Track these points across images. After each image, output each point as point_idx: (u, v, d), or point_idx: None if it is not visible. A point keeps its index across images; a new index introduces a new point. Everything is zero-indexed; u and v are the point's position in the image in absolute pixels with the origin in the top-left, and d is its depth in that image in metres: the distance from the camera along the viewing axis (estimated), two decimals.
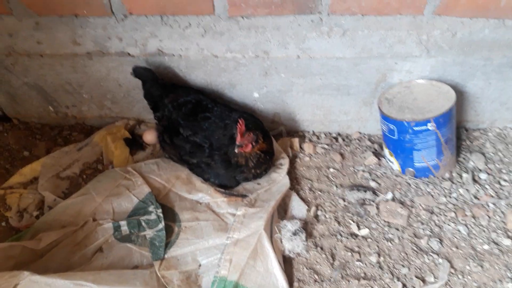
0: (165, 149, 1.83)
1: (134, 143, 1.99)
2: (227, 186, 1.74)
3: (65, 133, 2.12)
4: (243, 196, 1.71)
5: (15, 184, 1.82)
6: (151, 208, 1.63)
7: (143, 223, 1.59)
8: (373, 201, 1.68)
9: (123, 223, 1.59)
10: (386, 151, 1.78)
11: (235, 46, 1.70)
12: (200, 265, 1.51)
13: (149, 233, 1.57)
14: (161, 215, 1.60)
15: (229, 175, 1.68)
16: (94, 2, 1.61)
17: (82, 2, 1.62)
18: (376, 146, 1.93)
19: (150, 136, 1.97)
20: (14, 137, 2.07)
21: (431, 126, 1.56)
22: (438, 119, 1.55)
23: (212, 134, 1.68)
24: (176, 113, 1.72)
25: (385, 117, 1.64)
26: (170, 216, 1.64)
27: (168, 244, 1.55)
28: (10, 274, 1.34)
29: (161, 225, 1.58)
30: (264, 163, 1.69)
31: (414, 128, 1.58)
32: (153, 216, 1.61)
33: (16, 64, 1.89)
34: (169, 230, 1.59)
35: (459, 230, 1.56)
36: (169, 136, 1.75)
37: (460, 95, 1.80)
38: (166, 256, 1.53)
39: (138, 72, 1.78)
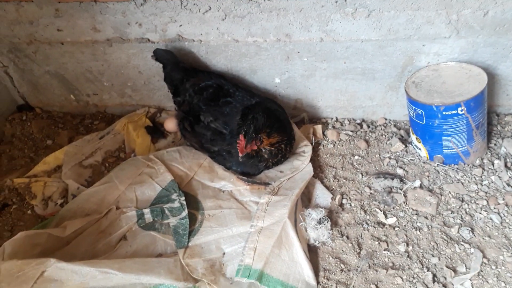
0: (186, 137, 1.81)
1: (156, 131, 1.98)
2: (249, 174, 1.72)
3: (86, 122, 2.12)
4: (266, 184, 1.68)
5: (40, 172, 1.84)
6: (174, 196, 1.62)
7: (166, 211, 1.59)
8: (400, 189, 1.63)
9: (146, 211, 1.58)
10: (413, 137, 1.72)
11: (256, 29, 1.65)
12: (224, 253, 1.49)
13: (172, 221, 1.57)
14: (184, 203, 1.59)
15: (251, 163, 1.65)
16: None
17: None
18: (402, 132, 1.87)
19: (171, 124, 1.95)
20: (37, 126, 2.08)
21: (461, 110, 1.50)
22: (469, 102, 1.48)
23: (233, 120, 1.65)
24: (198, 98, 1.69)
25: (412, 101, 1.58)
26: (193, 204, 1.63)
27: (191, 232, 1.54)
28: (37, 261, 1.35)
29: (185, 213, 1.57)
30: (279, 153, 1.65)
31: (443, 112, 1.51)
32: (176, 204, 1.60)
33: (37, 52, 1.90)
34: (192, 218, 1.58)
35: (491, 219, 1.50)
36: (190, 124, 1.73)
37: (491, 78, 1.72)
38: (190, 244, 1.51)
39: (159, 54, 1.75)
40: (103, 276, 1.36)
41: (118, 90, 2.02)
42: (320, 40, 1.66)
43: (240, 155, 1.52)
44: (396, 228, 1.52)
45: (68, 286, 1.34)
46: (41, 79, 2.02)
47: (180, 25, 1.69)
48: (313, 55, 1.72)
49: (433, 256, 1.43)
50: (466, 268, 1.38)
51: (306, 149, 1.81)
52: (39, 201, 1.74)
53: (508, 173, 1.63)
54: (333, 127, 1.96)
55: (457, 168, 1.67)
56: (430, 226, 1.51)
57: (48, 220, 1.64)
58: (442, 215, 1.54)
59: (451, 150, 1.63)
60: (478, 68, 1.59)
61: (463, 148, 1.62)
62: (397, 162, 1.74)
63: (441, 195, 1.60)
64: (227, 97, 1.67)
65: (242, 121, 1.57)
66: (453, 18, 1.53)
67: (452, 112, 1.51)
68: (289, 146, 1.70)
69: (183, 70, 1.75)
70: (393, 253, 1.45)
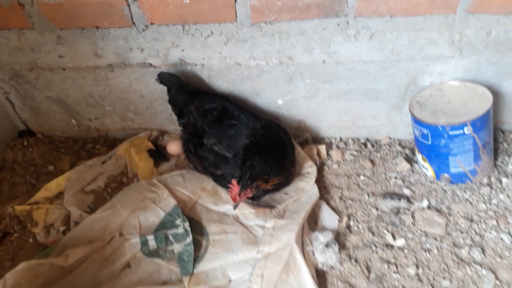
0: (190, 159, 1.79)
1: (158, 154, 1.96)
2: (253, 197, 1.69)
3: (88, 146, 2.11)
4: (271, 207, 1.66)
5: (41, 199, 1.81)
6: (178, 222, 1.59)
7: (170, 237, 1.56)
8: (408, 210, 1.61)
9: (150, 238, 1.55)
10: (419, 157, 1.71)
11: (258, 53, 1.65)
12: (230, 280, 1.46)
13: (177, 247, 1.54)
14: (188, 228, 1.56)
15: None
16: (115, 13, 1.59)
17: (103, 14, 1.60)
18: (407, 151, 1.86)
19: (174, 147, 1.93)
20: (38, 151, 2.06)
21: (467, 130, 1.49)
22: (475, 122, 1.47)
23: (237, 142, 1.63)
24: (202, 120, 1.68)
25: (417, 122, 1.57)
26: (197, 229, 1.60)
27: (196, 259, 1.51)
28: None
29: (189, 239, 1.54)
30: (280, 185, 1.65)
31: (449, 132, 1.50)
32: (180, 230, 1.57)
33: (38, 79, 1.89)
34: (197, 244, 1.55)
35: (502, 239, 1.48)
36: (194, 146, 1.72)
37: (496, 95, 1.72)
38: (195, 271, 1.48)
39: (163, 77, 1.75)
40: None
41: (120, 114, 2.01)
42: (323, 62, 1.66)
43: (233, 204, 1.49)
44: (405, 250, 1.49)
45: None
46: (42, 105, 2.01)
47: (183, 50, 1.69)
48: (316, 77, 1.72)
49: (444, 278, 1.40)
50: None
51: (310, 170, 1.79)
52: (40, 228, 1.70)
53: None
54: (337, 147, 1.94)
55: (464, 187, 1.65)
56: (439, 248, 1.49)
57: (50, 248, 1.60)
58: (452, 235, 1.52)
59: (458, 169, 1.62)
60: (482, 87, 1.59)
61: (470, 167, 1.60)
62: (403, 182, 1.72)
63: (450, 215, 1.57)
64: (231, 120, 1.66)
65: (244, 153, 1.54)
66: (456, 38, 1.53)
67: (459, 132, 1.50)
68: (289, 175, 1.69)
69: (188, 92, 1.74)
70: (403, 276, 1.42)
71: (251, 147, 1.54)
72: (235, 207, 1.50)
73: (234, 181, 1.45)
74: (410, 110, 1.61)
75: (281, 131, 1.72)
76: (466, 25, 1.49)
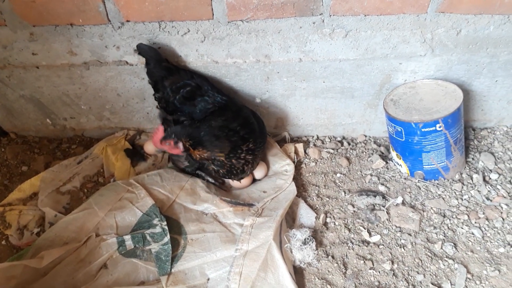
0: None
1: (135, 154, 1.94)
2: (208, 170, 1.71)
3: (64, 146, 2.07)
4: (250, 205, 1.66)
5: (14, 200, 1.77)
6: (155, 221, 1.58)
7: (148, 237, 1.55)
8: (383, 206, 1.64)
9: (127, 238, 1.54)
10: (394, 154, 1.74)
11: (235, 51, 1.66)
12: (208, 279, 1.46)
13: (154, 247, 1.53)
14: (166, 227, 1.55)
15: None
16: (89, 10, 1.56)
17: (77, 11, 1.57)
18: (382, 149, 1.89)
19: (151, 146, 1.92)
20: (11, 152, 2.02)
21: (439, 127, 1.52)
22: (447, 119, 1.51)
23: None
24: (174, 96, 1.66)
25: (391, 119, 1.60)
26: (175, 229, 1.59)
27: (174, 258, 1.51)
28: None
29: (167, 238, 1.53)
30: (230, 170, 1.65)
31: (422, 129, 1.54)
32: (158, 229, 1.56)
33: (11, 77, 1.85)
34: (175, 243, 1.54)
35: (473, 233, 1.52)
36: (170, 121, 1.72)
37: (466, 94, 1.77)
38: (173, 270, 1.48)
39: (142, 49, 1.69)
40: None
41: (96, 113, 1.98)
42: (299, 61, 1.67)
43: (153, 144, 1.52)
44: (381, 246, 1.52)
45: None
46: (15, 104, 1.97)
47: (159, 47, 1.68)
48: (293, 75, 1.73)
49: (418, 273, 1.43)
50: (451, 284, 1.39)
51: (288, 168, 1.81)
52: (14, 230, 1.67)
53: (487, 187, 1.66)
54: (315, 145, 1.96)
55: (437, 184, 1.69)
56: (414, 243, 1.52)
57: (24, 250, 1.56)
58: (425, 231, 1.55)
59: (431, 166, 1.65)
60: (453, 85, 1.63)
61: (443, 163, 1.64)
62: (378, 179, 1.75)
63: (423, 211, 1.61)
64: (204, 97, 1.65)
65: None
66: (428, 37, 1.57)
67: (431, 128, 1.53)
68: (248, 161, 1.68)
69: (166, 68, 1.70)
70: (379, 272, 1.45)
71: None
72: (159, 151, 1.52)
73: (160, 127, 1.48)
74: (384, 107, 1.64)
75: (255, 118, 1.71)
76: (437, 24, 1.53)
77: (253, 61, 1.69)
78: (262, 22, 1.57)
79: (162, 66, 1.69)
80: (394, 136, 1.65)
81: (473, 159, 1.79)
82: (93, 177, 1.87)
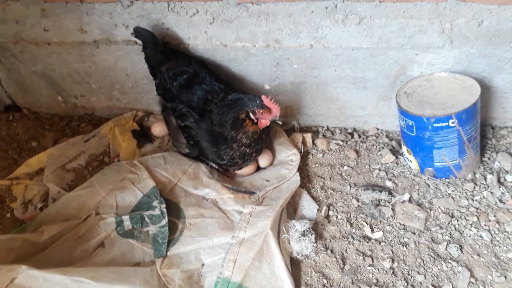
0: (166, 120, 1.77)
1: (142, 135, 1.94)
2: (208, 158, 1.69)
3: (74, 124, 2.09)
4: (251, 193, 1.63)
5: (22, 175, 1.80)
6: (155, 203, 1.57)
7: (146, 219, 1.54)
8: (388, 202, 1.58)
9: (125, 218, 1.53)
10: (404, 149, 1.67)
11: (244, 34, 1.62)
12: (203, 265, 1.45)
13: (152, 229, 1.52)
14: (164, 210, 1.54)
15: (215, 147, 1.62)
16: None
17: None
18: (394, 143, 1.82)
19: (158, 129, 1.91)
20: (23, 127, 2.05)
21: (452, 122, 1.45)
22: (461, 115, 1.43)
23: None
24: (171, 83, 1.64)
25: (403, 112, 1.53)
26: (174, 212, 1.58)
27: (171, 241, 1.50)
28: (8, 267, 1.31)
29: (165, 221, 1.52)
30: (258, 143, 1.64)
31: (434, 124, 1.46)
32: (156, 212, 1.55)
33: (24, 52, 1.87)
34: (173, 227, 1.53)
35: (481, 236, 1.45)
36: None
37: (487, 90, 1.67)
38: (168, 253, 1.47)
39: (139, 32, 1.67)
40: (75, 285, 1.31)
41: (106, 93, 1.99)
42: (310, 47, 1.62)
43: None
44: (382, 243, 1.47)
45: None
46: (28, 80, 1.99)
47: (168, 28, 1.66)
48: (303, 62, 1.68)
49: (418, 273, 1.37)
50: (453, 287, 1.33)
51: (294, 157, 1.76)
52: (19, 204, 1.69)
53: (501, 188, 1.57)
54: (324, 136, 1.91)
55: (448, 182, 1.62)
56: (417, 242, 1.46)
57: (26, 224, 1.59)
58: (431, 230, 1.49)
59: (442, 164, 1.58)
60: (471, 80, 1.54)
61: (455, 161, 1.57)
62: (386, 174, 1.69)
63: (430, 210, 1.54)
64: (201, 85, 1.62)
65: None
66: (447, 27, 1.48)
67: (443, 124, 1.46)
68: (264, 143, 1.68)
69: (162, 53, 1.68)
70: (378, 269, 1.40)
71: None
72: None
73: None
74: (396, 100, 1.57)
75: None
76: (457, 14, 1.44)
77: (263, 46, 1.64)
78: (272, 5, 1.52)
79: (159, 50, 1.66)
80: (405, 130, 1.58)
81: (489, 158, 1.70)
82: (98, 156, 1.87)
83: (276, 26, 1.57)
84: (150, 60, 1.71)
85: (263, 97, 1.50)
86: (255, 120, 1.56)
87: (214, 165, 1.76)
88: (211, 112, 1.59)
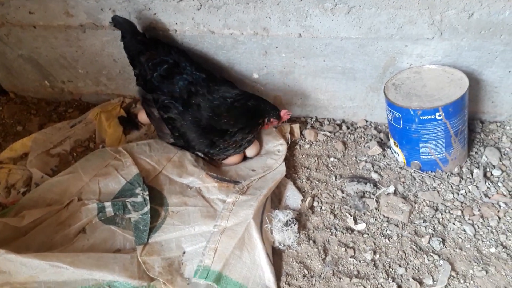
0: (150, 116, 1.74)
1: (129, 122, 1.92)
2: (195, 148, 1.69)
3: (60, 109, 2.06)
4: (236, 182, 1.62)
5: (5, 159, 1.78)
6: (138, 190, 1.56)
7: (128, 206, 1.53)
8: (373, 194, 1.57)
9: (107, 204, 1.52)
10: (392, 142, 1.66)
11: (232, 21, 1.59)
12: (184, 252, 1.44)
13: (134, 216, 1.51)
14: (147, 197, 1.53)
15: (202, 138, 1.61)
16: None
17: None
18: (382, 135, 1.80)
19: (145, 115, 1.88)
20: (9, 111, 2.03)
21: (439, 115, 1.43)
22: (448, 108, 1.42)
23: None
24: (151, 74, 1.62)
25: (390, 104, 1.52)
26: (158, 200, 1.57)
27: (153, 229, 1.49)
28: None
29: (147, 208, 1.51)
30: (255, 136, 1.71)
31: (420, 117, 1.45)
32: (139, 199, 1.54)
33: (9, 35, 1.84)
34: (155, 214, 1.52)
35: (464, 230, 1.44)
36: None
37: (476, 83, 1.66)
38: (150, 241, 1.46)
39: (117, 21, 1.63)
40: (53, 270, 1.30)
41: (93, 78, 1.96)
42: (299, 36, 1.59)
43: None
44: (365, 235, 1.46)
45: (17, 278, 1.29)
46: (14, 63, 1.96)
47: (155, 13, 1.63)
48: (292, 51, 1.66)
49: (400, 266, 1.37)
50: (433, 281, 1.32)
51: (281, 148, 1.75)
52: (1, 188, 1.68)
53: (487, 183, 1.56)
54: (312, 126, 1.89)
55: (434, 176, 1.61)
56: (400, 235, 1.45)
57: (8, 208, 1.58)
58: (414, 223, 1.48)
59: (429, 157, 1.57)
60: (460, 73, 1.52)
61: (441, 155, 1.55)
62: (372, 166, 1.67)
63: (415, 203, 1.53)
64: (182, 75, 1.59)
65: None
66: (437, 18, 1.46)
67: (430, 117, 1.44)
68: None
69: (142, 42, 1.64)
70: (359, 261, 1.39)
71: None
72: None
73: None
74: (384, 91, 1.55)
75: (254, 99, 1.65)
76: (447, 5, 1.41)
77: (251, 34, 1.62)
78: None
79: (138, 39, 1.63)
80: (392, 122, 1.57)
81: (476, 153, 1.68)
82: (84, 142, 1.86)
83: (264, 13, 1.54)
84: (128, 50, 1.67)
85: (283, 112, 1.64)
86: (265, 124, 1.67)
87: (200, 153, 1.74)
88: (199, 106, 1.57)
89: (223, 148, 1.64)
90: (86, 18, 1.70)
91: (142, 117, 1.89)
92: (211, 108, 1.56)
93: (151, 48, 1.63)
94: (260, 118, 1.64)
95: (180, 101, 1.57)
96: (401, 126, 1.53)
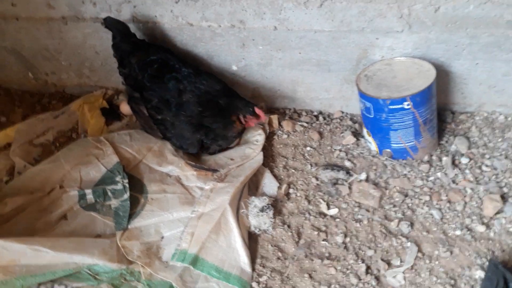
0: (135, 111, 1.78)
1: (111, 113, 1.96)
2: (187, 150, 1.74)
3: (44, 101, 2.10)
4: (214, 170, 1.67)
5: None
6: (118, 178, 1.60)
7: (109, 193, 1.57)
8: (346, 181, 1.63)
9: (88, 192, 1.57)
10: (365, 131, 1.72)
11: (210, 14, 1.64)
12: (162, 237, 1.49)
13: (114, 202, 1.55)
14: (127, 185, 1.58)
15: (194, 138, 1.66)
16: None
17: None
18: (357, 126, 1.87)
19: (127, 107, 1.92)
20: None
21: (407, 105, 1.49)
22: (415, 97, 1.48)
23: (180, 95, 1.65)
24: (142, 74, 1.66)
25: (362, 95, 1.58)
26: (137, 187, 1.61)
27: (132, 215, 1.53)
28: None
29: (126, 195, 1.55)
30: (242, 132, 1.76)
31: (389, 106, 1.51)
32: (119, 186, 1.58)
33: None
34: (135, 201, 1.57)
35: (432, 214, 1.51)
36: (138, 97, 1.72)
37: (446, 75, 1.72)
38: (129, 226, 1.51)
39: (109, 22, 1.68)
40: (34, 253, 1.35)
41: (76, 70, 2.00)
42: (274, 29, 1.64)
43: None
44: (337, 219, 1.52)
45: None
46: None
47: (134, 6, 1.67)
48: (268, 44, 1.71)
49: (369, 248, 1.43)
50: (401, 262, 1.39)
51: (259, 138, 1.80)
52: None
53: (455, 170, 1.63)
54: (290, 117, 1.95)
55: (405, 163, 1.67)
56: (370, 219, 1.51)
57: None
58: (384, 208, 1.54)
59: (399, 145, 1.63)
60: (429, 64, 1.59)
61: (411, 143, 1.62)
62: (346, 155, 1.73)
63: (386, 189, 1.60)
64: (172, 73, 1.64)
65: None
66: (405, 12, 1.52)
67: (398, 106, 1.50)
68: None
69: (133, 43, 1.69)
70: (331, 244, 1.45)
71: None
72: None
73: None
74: (356, 82, 1.61)
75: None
76: (414, 0, 1.48)
77: (228, 26, 1.67)
78: None
79: (130, 41, 1.68)
80: (364, 112, 1.63)
81: (446, 142, 1.75)
82: (67, 132, 1.90)
83: (240, 6, 1.59)
84: (118, 50, 1.72)
85: (256, 109, 1.64)
86: (244, 122, 1.69)
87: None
88: (189, 103, 1.62)
89: (211, 146, 1.72)
90: (67, 11, 1.74)
91: (124, 108, 1.93)
92: (199, 103, 1.62)
93: (142, 49, 1.68)
94: (233, 115, 1.66)
95: (173, 100, 1.62)
96: (372, 116, 1.59)
